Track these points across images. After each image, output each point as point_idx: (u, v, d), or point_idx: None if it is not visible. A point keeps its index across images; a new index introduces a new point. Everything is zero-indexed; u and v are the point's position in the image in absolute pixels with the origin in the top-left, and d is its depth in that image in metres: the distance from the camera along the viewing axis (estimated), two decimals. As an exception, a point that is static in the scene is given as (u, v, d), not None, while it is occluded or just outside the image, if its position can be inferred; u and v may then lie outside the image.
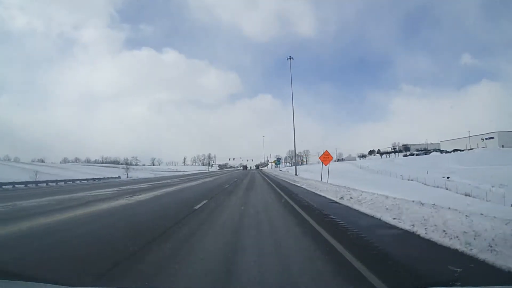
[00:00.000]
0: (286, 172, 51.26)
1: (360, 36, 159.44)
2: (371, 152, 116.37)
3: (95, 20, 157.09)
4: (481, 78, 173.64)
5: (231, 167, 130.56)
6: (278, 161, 71.94)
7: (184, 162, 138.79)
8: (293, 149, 40.52)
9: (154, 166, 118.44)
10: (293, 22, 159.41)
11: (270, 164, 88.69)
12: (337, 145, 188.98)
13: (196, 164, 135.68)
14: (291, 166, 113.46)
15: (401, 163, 50.82)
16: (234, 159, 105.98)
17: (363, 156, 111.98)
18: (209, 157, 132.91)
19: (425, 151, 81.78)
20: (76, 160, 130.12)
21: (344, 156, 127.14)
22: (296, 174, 34.82)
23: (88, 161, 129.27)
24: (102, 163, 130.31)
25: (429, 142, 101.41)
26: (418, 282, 2.85)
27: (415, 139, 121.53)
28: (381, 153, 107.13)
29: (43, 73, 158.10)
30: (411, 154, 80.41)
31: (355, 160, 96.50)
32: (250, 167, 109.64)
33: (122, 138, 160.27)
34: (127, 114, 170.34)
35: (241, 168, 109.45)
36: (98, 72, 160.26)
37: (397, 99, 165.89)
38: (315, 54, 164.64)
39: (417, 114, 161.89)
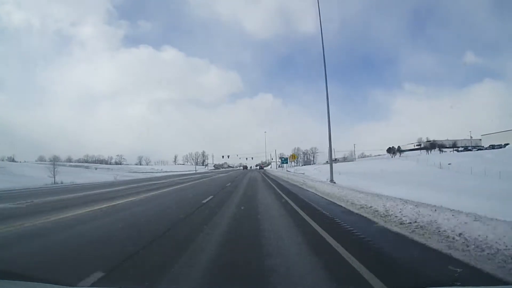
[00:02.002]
0: (301, 175, 33.89)
1: (363, 33, 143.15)
2: (389, 150, 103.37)
3: (92, 17, 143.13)
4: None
5: (228, 166, 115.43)
6: (285, 160, 55.91)
7: (175, 161, 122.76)
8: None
9: (135, 166, 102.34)
10: (295, 19, 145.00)
11: (276, 163, 74.24)
12: (340, 144, 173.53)
13: (188, 163, 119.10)
14: (297, 166, 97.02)
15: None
16: (229, 156, 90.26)
17: (399, 151, 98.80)
18: (203, 155, 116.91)
19: (503, 145, 65.01)
20: (54, 159, 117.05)
21: (357, 154, 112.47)
22: (332, 180, 18.89)
23: (69, 160, 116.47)
24: (86, 161, 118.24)
25: (471, 137, 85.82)
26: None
27: (429, 136, 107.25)
28: (427, 148, 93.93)
29: (37, 70, 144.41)
30: (466, 150, 64.08)
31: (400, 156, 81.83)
32: (251, 167, 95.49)
33: (115, 137, 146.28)
34: (122, 112, 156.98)
35: (241, 168, 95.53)
36: (94, 69, 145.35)
37: (402, 97, 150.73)
38: (319, 52, 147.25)
39: (423, 112, 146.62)
